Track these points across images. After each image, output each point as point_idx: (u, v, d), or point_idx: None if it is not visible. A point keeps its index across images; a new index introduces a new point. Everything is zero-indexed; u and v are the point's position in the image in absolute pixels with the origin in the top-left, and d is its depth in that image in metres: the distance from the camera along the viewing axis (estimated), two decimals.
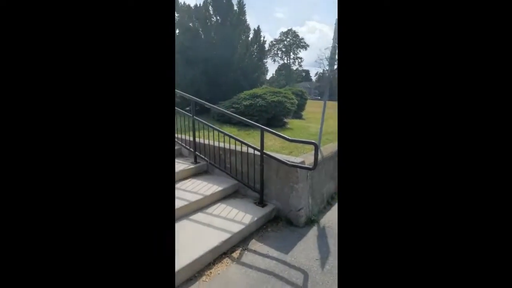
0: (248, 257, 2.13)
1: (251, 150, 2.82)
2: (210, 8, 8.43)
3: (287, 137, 2.49)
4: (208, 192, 2.77)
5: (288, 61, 43.73)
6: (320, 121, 3.52)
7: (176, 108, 3.76)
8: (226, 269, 1.98)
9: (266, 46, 9.70)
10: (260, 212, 2.63)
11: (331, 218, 2.87)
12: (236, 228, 2.31)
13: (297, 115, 8.31)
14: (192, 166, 3.30)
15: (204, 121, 3.25)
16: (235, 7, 8.56)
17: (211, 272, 1.93)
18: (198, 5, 8.41)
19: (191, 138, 3.40)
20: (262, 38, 9.19)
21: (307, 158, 2.89)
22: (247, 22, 8.97)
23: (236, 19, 8.46)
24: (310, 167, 2.40)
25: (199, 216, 2.50)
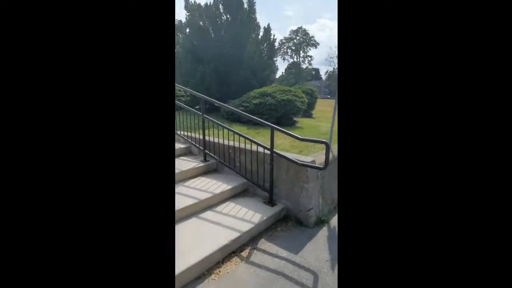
0: (257, 257, 2.11)
1: (260, 149, 2.80)
2: (220, 6, 8.44)
3: (298, 136, 2.45)
4: (218, 191, 2.77)
5: (298, 60, 43.43)
6: (331, 120, 3.47)
7: (186, 106, 3.78)
8: (235, 268, 1.97)
9: (276, 44, 9.64)
10: (270, 211, 2.61)
11: None
12: (245, 227, 2.30)
13: (307, 114, 8.24)
14: (201, 164, 3.31)
15: (214, 120, 3.26)
16: (245, 5, 8.53)
17: (220, 271, 1.93)
18: (209, 4, 8.42)
19: (201, 137, 3.40)
20: (272, 36, 9.13)
21: (318, 157, 2.85)
22: (257, 20, 8.93)
23: (246, 17, 8.43)
24: (321, 166, 2.37)
25: (208, 214, 2.50)
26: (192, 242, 2.03)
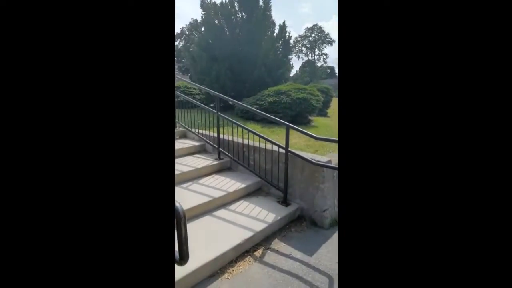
0: (270, 257, 2.08)
1: (275, 148, 2.76)
2: (236, 4, 8.43)
3: (314, 134, 2.40)
4: (231, 189, 2.76)
5: (313, 58, 42.80)
6: None
7: (200, 104, 3.80)
8: (248, 267, 1.96)
9: (291, 42, 9.51)
10: (284, 211, 2.58)
11: None
12: (259, 226, 2.27)
13: (322, 112, 8.11)
14: (216, 162, 3.32)
15: (228, 118, 3.25)
16: (261, 3, 8.47)
17: (233, 270, 1.92)
18: (224, 2, 8.43)
19: (215, 134, 3.41)
20: (287, 34, 9.03)
21: (334, 157, 2.78)
22: (272, 18, 8.85)
23: (261, 15, 8.37)
24: (337, 166, 2.30)
25: (222, 212, 2.50)
26: (206, 240, 2.04)
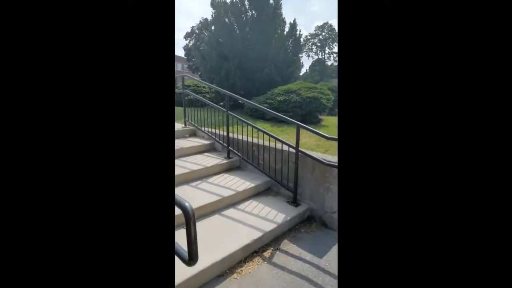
0: (280, 258, 2.05)
1: (285, 147, 2.72)
2: (246, 2, 8.39)
3: (325, 134, 2.35)
4: (241, 188, 2.74)
5: (323, 57, 42.30)
6: None
7: (210, 102, 3.80)
8: (257, 268, 1.93)
9: (301, 40, 9.38)
10: (293, 211, 2.54)
11: None
12: (268, 226, 2.25)
13: (332, 112, 8.00)
14: (225, 161, 3.31)
15: (238, 116, 3.23)
16: (271, 0, 8.40)
17: (242, 270, 1.90)
18: (234, 1, 8.41)
19: (225, 133, 3.40)
20: (298, 32, 8.92)
21: None
22: (283, 16, 8.76)
23: (271, 13, 8.30)
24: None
25: (231, 212, 2.48)
26: (215, 240, 2.02)
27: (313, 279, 1.83)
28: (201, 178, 2.96)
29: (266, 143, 3.00)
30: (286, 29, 8.85)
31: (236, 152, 3.31)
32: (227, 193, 2.62)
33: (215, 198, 2.50)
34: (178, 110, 4.98)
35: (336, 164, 2.39)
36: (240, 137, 3.36)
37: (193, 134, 4.24)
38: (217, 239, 2.03)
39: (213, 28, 8.73)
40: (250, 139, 3.19)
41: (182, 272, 1.59)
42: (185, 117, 4.35)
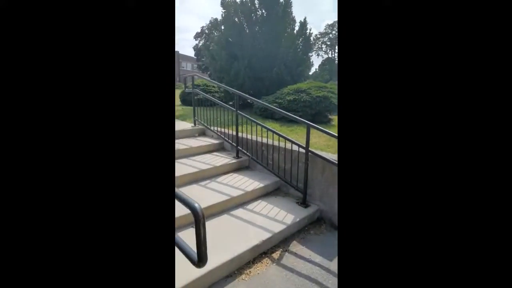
0: (289, 260, 2.03)
1: (294, 147, 2.69)
2: (256, 1, 8.36)
3: (336, 134, 2.30)
4: (249, 188, 2.73)
5: (333, 55, 41.81)
6: None
7: (219, 102, 3.80)
8: (265, 269, 1.91)
9: (311, 39, 9.28)
10: (303, 212, 2.51)
11: None
12: (277, 227, 2.22)
13: None
14: (234, 160, 3.30)
15: (247, 116, 3.21)
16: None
17: (250, 271, 1.88)
18: (244, 0, 8.39)
19: (234, 133, 3.39)
20: (308, 31, 8.82)
21: None
22: (293, 14, 8.69)
23: (282, 12, 8.24)
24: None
25: (239, 212, 2.47)
26: (224, 239, 2.02)
27: (323, 283, 1.79)
28: (210, 177, 2.96)
29: (276, 143, 2.98)
30: (296, 28, 8.77)
31: (245, 152, 3.30)
32: (236, 193, 2.61)
33: (224, 197, 2.50)
34: (188, 110, 5.01)
35: None
36: (249, 136, 3.34)
37: (202, 133, 4.25)
38: (226, 239, 2.02)
39: (222, 27, 8.74)
40: (259, 139, 3.17)
41: (191, 271, 1.59)
42: (194, 116, 4.36)
